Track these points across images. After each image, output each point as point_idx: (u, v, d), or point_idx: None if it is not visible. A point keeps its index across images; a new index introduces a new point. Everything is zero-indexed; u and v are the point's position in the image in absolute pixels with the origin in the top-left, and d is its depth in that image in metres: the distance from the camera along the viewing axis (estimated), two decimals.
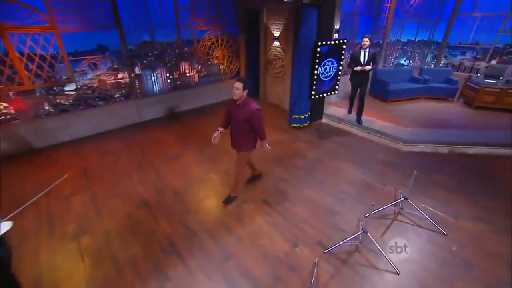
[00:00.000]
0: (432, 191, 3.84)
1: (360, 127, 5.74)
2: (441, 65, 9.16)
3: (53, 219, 3.31)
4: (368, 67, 5.10)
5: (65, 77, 5.44)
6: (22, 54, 4.80)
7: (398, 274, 2.62)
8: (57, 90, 5.66)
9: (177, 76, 6.97)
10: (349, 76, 5.63)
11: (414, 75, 7.91)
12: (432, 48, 9.23)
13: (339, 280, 2.56)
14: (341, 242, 2.85)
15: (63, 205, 3.55)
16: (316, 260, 2.48)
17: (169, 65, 6.78)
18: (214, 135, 3.17)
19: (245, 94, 2.95)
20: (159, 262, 2.76)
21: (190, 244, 2.96)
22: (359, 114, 5.77)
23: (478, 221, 3.30)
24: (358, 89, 5.54)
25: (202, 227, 3.20)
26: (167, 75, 6.85)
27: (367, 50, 5.06)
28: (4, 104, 5.14)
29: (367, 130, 5.60)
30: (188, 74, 7.13)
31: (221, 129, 3.25)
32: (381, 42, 8.73)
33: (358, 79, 5.38)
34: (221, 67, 7.65)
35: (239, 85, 2.88)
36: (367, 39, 4.93)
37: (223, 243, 2.98)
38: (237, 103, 3.02)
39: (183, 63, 6.96)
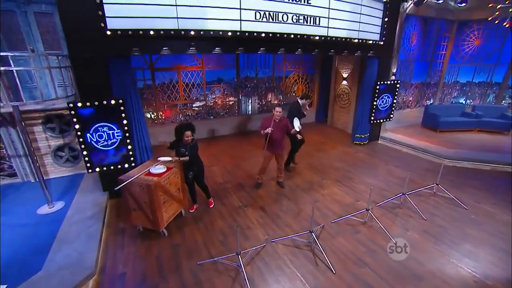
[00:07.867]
0: (465, 188, 5.24)
1: (406, 145, 7.25)
2: (503, 104, 9.71)
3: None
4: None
5: (195, 98, 8.36)
6: (183, 82, 7.91)
7: (425, 220, 4.21)
8: (189, 106, 8.63)
9: (264, 102, 9.54)
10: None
11: (466, 110, 9.09)
12: (494, 88, 9.91)
13: (385, 217, 4.29)
14: (385, 200, 4.59)
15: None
16: (371, 208, 4.25)
17: (259, 94, 9.41)
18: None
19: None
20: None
21: (292, 194, 5.02)
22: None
23: (495, 206, 4.62)
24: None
25: (300, 187, 5.26)
26: (257, 101, 9.46)
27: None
28: (161, 113, 8.22)
29: (414, 149, 7.10)
30: (272, 102, 9.66)
31: None
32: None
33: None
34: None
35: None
36: None
37: (312, 195, 4.99)
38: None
39: (270, 93, 9.54)
